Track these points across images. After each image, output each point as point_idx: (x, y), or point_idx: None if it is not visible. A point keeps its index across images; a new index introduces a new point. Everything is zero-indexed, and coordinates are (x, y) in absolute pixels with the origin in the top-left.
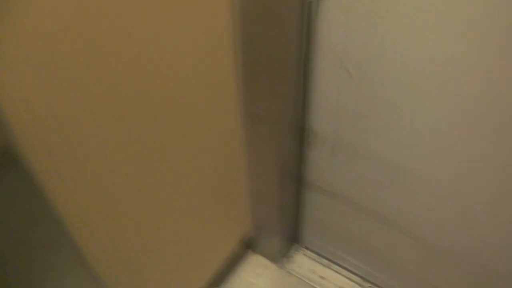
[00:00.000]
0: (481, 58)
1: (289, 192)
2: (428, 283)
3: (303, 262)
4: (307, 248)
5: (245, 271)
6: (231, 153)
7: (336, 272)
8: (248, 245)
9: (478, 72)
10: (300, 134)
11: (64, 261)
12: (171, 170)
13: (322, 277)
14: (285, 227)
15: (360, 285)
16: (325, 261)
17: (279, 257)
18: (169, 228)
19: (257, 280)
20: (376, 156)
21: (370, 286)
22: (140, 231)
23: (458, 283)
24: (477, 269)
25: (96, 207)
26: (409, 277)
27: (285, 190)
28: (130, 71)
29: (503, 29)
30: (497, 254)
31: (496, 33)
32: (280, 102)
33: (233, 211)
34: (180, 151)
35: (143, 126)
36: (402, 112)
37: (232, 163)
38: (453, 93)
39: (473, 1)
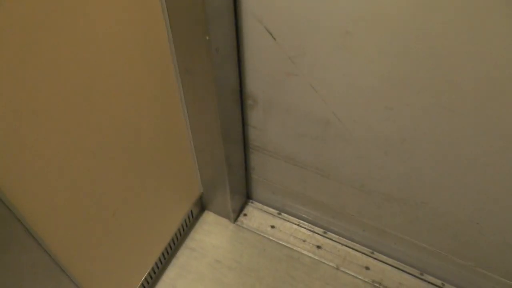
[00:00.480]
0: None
1: (233, 150)
2: (363, 221)
3: (253, 216)
4: (257, 201)
5: (198, 230)
6: (171, 112)
7: (286, 220)
8: (200, 205)
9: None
10: (237, 96)
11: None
12: (114, 131)
13: (272, 227)
14: (234, 183)
15: (309, 230)
16: (274, 212)
17: (231, 213)
18: (121, 196)
19: (209, 237)
20: (305, 113)
21: (319, 230)
22: (96, 202)
23: (389, 219)
24: (405, 206)
25: (36, 175)
26: (349, 218)
27: (229, 148)
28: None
29: None
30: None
31: None
32: (208, 58)
33: (181, 172)
34: (119, 112)
35: (85, 89)
36: (325, 68)
37: (174, 123)
38: (373, 45)
39: None
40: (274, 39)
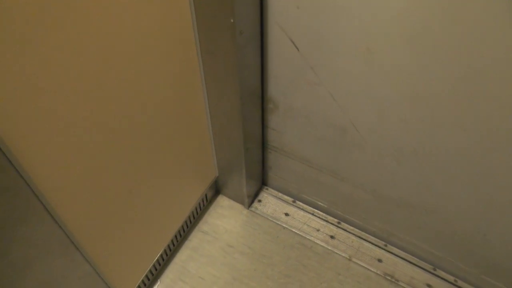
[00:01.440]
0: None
1: (251, 135)
2: (374, 223)
3: (268, 202)
4: (272, 188)
5: (211, 214)
6: (191, 93)
7: (300, 208)
8: (215, 189)
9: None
10: (258, 100)
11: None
12: (134, 108)
13: (286, 214)
14: (250, 169)
15: (323, 219)
16: (289, 199)
17: (245, 198)
18: (138, 174)
19: (223, 221)
20: (324, 120)
21: (332, 220)
22: (112, 178)
23: (398, 223)
24: (414, 212)
25: (54, 150)
26: (359, 218)
27: (247, 133)
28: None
29: None
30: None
31: None
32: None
33: (198, 154)
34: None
35: (108, 71)
36: (345, 80)
37: (193, 103)
38: (392, 61)
39: None
40: (297, 49)
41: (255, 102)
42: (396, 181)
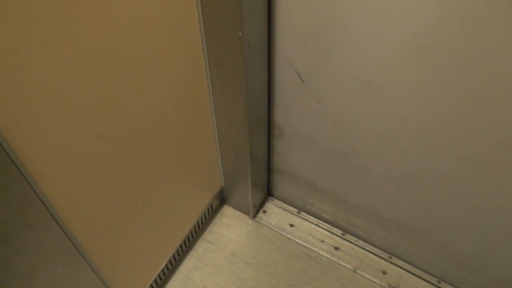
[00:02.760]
0: None
1: (257, 144)
2: (374, 244)
3: (273, 213)
4: (277, 199)
5: (217, 223)
6: (199, 102)
7: (305, 219)
8: (220, 198)
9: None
10: (265, 125)
11: (50, 241)
12: (141, 118)
13: (291, 225)
14: (256, 179)
15: (328, 230)
16: (294, 210)
17: (251, 209)
18: (145, 184)
19: (228, 231)
20: (327, 147)
21: (337, 231)
22: (119, 187)
23: (398, 243)
24: (414, 235)
25: (61, 159)
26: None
27: (253, 142)
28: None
29: None
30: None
31: None
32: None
33: (204, 164)
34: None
35: (116, 81)
36: (348, 111)
37: (200, 114)
38: (392, 96)
39: None
40: (303, 81)
41: (262, 100)
42: (396, 205)
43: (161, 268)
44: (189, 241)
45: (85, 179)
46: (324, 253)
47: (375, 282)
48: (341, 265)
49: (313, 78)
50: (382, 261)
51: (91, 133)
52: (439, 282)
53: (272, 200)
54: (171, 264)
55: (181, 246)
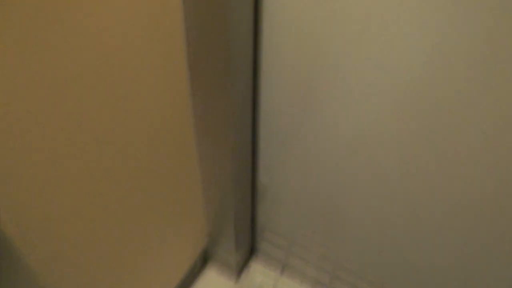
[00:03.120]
0: None
1: (241, 203)
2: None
3: (257, 271)
4: (261, 256)
5: (199, 285)
6: (183, 154)
7: (289, 278)
8: (203, 258)
9: None
10: (249, 184)
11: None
12: (126, 180)
13: (274, 286)
14: (239, 237)
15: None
16: (278, 269)
17: (234, 268)
18: (127, 242)
19: None
20: (312, 205)
21: None
22: (96, 251)
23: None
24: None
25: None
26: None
27: (237, 201)
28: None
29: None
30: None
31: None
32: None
33: (190, 224)
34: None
35: (98, 138)
36: (329, 172)
37: (185, 167)
38: (371, 161)
39: None
40: (287, 140)
41: (247, 155)
42: (382, 263)
43: None
44: None
45: (65, 240)
46: None
47: None
48: None
49: (298, 137)
50: None
51: (68, 190)
52: None
53: (256, 257)
54: None
55: None
